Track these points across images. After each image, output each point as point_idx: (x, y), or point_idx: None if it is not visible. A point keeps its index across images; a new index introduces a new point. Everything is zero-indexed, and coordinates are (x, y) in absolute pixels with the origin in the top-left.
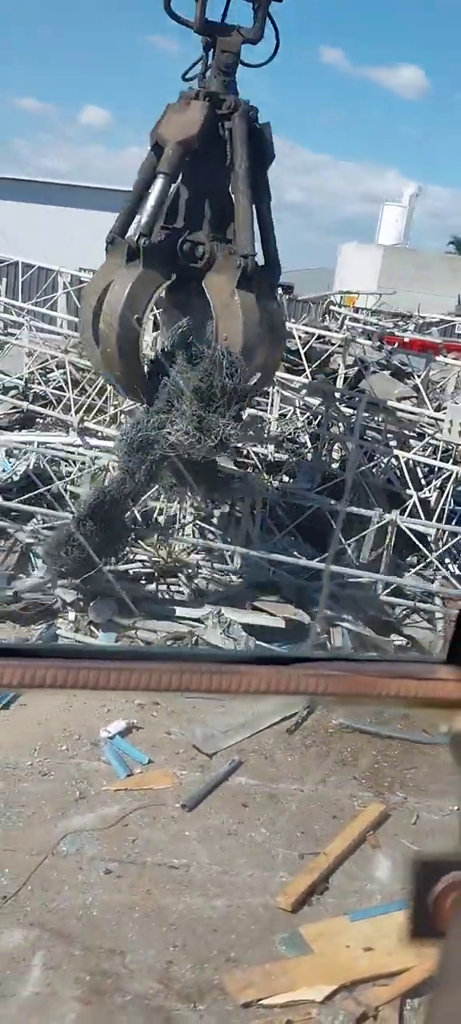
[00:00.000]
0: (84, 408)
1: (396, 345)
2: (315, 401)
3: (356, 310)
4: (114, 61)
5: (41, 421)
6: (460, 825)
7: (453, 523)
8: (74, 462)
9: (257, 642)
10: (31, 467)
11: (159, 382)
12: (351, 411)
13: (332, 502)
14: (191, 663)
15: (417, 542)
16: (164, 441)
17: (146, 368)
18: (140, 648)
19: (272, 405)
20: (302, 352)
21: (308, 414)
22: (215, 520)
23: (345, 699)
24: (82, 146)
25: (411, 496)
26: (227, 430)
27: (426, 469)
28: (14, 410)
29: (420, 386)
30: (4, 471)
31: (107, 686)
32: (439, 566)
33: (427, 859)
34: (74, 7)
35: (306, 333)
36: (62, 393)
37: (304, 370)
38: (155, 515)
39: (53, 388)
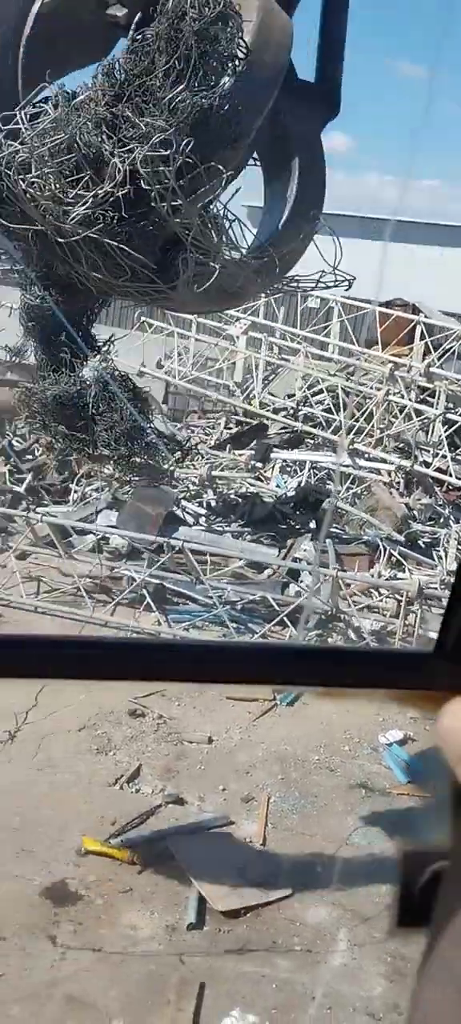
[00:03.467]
0: (354, 431)
1: None
2: None
3: None
4: (360, 87)
5: (311, 441)
6: (450, 816)
7: None
8: (342, 481)
9: None
10: (303, 483)
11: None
12: None
13: None
14: (172, 651)
15: None
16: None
17: None
18: (127, 639)
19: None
20: None
21: None
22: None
23: (332, 689)
24: None
25: None
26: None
27: None
28: (285, 430)
29: None
30: (278, 487)
31: (88, 675)
32: None
33: (414, 850)
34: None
35: None
36: (331, 415)
37: None
38: None
39: (322, 410)
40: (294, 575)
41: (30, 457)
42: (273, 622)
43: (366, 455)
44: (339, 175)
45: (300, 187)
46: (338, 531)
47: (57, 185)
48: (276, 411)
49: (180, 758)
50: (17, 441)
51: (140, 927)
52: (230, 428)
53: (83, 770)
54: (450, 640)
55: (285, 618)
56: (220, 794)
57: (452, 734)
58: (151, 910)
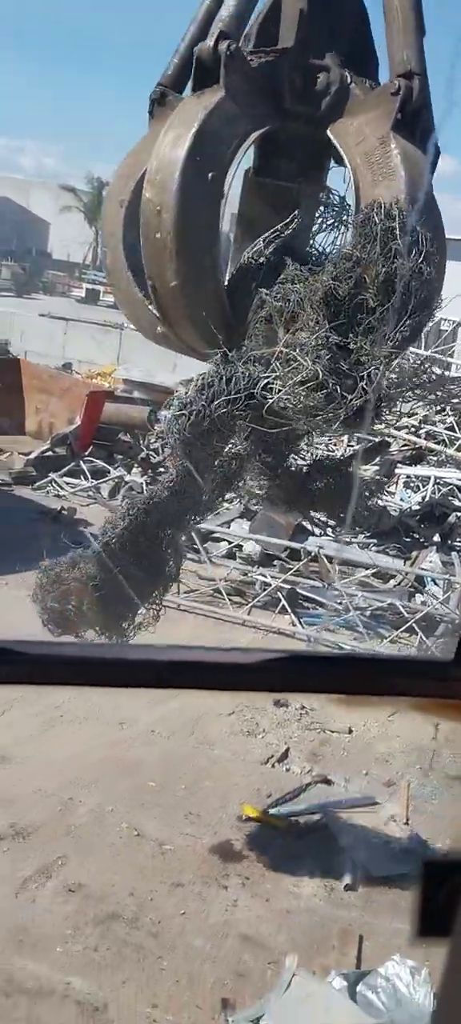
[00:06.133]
0: None
1: None
2: None
3: None
4: None
5: (434, 458)
6: None
7: None
8: None
9: None
10: (426, 499)
11: (247, 308)
12: None
13: None
14: (195, 659)
15: None
16: (258, 405)
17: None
18: (141, 645)
19: None
20: None
21: None
22: None
23: (355, 695)
24: None
25: None
26: (385, 371)
27: None
28: (407, 446)
29: None
30: (402, 500)
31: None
32: None
33: (436, 860)
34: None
35: None
36: (454, 433)
37: None
38: None
39: (445, 428)
40: (420, 583)
41: (162, 470)
42: (401, 628)
43: None
44: (445, 197)
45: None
46: None
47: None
48: (398, 428)
49: (324, 744)
50: (151, 454)
51: (301, 885)
52: (352, 444)
53: (237, 749)
54: None
55: (414, 625)
56: (363, 778)
57: None
58: (310, 871)
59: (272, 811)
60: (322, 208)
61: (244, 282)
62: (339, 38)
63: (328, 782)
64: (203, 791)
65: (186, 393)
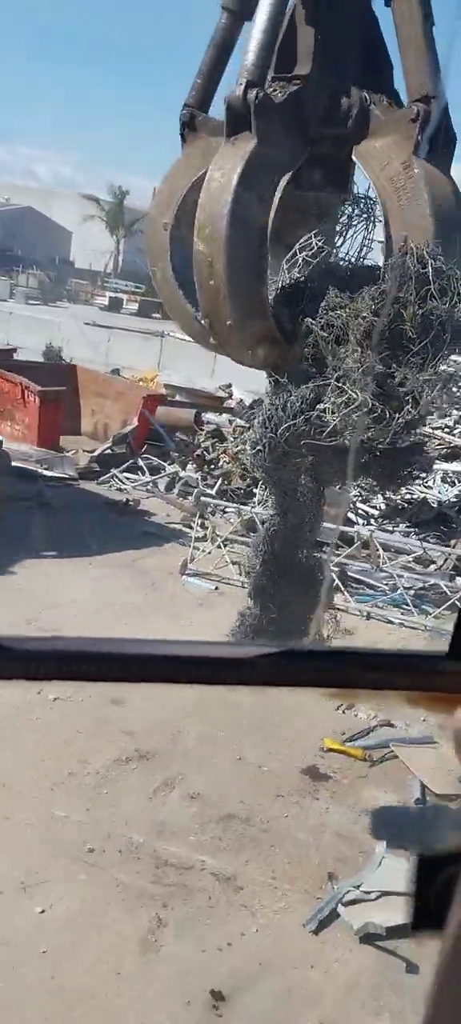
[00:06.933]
0: None
1: None
2: None
3: None
4: None
5: None
6: None
7: None
8: None
9: None
10: None
11: (295, 330)
12: None
13: None
14: (188, 653)
15: None
16: (315, 429)
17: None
18: (134, 639)
19: None
20: None
21: None
22: None
23: (346, 691)
24: None
25: None
26: (429, 395)
27: None
28: (442, 444)
29: None
30: (440, 493)
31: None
32: None
33: (430, 853)
34: None
35: None
36: None
37: None
38: None
39: None
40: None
41: (213, 467)
42: (444, 606)
43: None
44: None
45: None
46: None
47: None
48: (434, 428)
49: (384, 697)
50: (204, 451)
51: (380, 799)
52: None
53: (313, 696)
54: None
55: (456, 602)
56: (421, 723)
57: None
58: (384, 789)
59: (348, 744)
60: (349, 209)
61: (289, 305)
62: (354, 58)
63: (391, 725)
64: (287, 726)
65: (253, 431)
